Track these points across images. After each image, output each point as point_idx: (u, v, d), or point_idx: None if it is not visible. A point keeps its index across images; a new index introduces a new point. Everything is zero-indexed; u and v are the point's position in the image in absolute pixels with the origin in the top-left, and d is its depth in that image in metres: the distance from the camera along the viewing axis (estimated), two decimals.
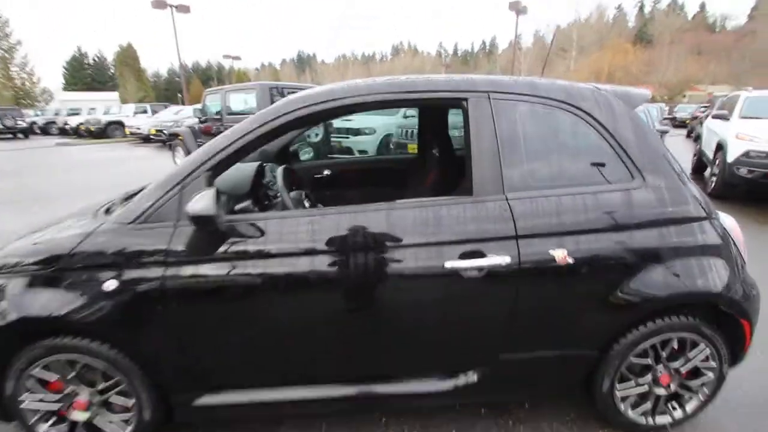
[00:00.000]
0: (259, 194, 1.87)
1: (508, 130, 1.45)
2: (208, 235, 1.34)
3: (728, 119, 6.27)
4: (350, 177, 2.86)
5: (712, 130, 6.86)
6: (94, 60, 57.89)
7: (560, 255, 1.40)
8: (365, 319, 1.46)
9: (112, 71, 55.55)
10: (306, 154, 3.35)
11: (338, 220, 1.40)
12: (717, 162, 5.99)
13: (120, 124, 18.61)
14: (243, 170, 1.80)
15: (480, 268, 1.38)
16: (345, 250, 1.38)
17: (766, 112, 6.04)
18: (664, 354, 1.59)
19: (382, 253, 1.38)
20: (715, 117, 6.78)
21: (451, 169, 2.38)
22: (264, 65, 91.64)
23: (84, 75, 56.12)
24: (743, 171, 5.34)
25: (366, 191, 2.86)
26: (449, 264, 1.37)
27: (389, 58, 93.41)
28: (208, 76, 62.22)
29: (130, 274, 1.36)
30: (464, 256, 1.38)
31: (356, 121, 7.22)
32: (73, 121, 20.98)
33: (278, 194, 1.89)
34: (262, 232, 1.38)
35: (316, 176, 2.82)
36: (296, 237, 1.38)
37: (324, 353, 1.51)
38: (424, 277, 1.40)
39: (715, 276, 1.48)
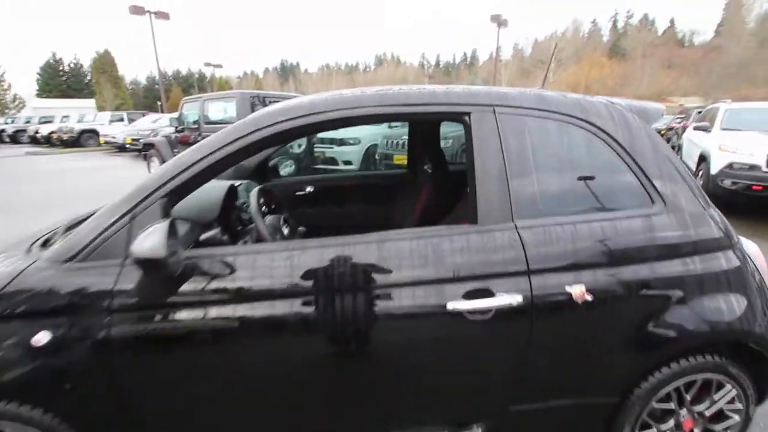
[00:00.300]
0: (231, 219, 1.64)
1: (516, 148, 1.28)
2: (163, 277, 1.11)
3: (709, 131, 6.35)
4: (335, 194, 2.65)
5: (693, 142, 6.95)
6: (69, 66, 56.27)
7: (578, 291, 1.22)
8: (354, 370, 1.25)
9: (89, 78, 54.07)
10: (286, 168, 3.13)
11: (321, 255, 1.19)
12: (700, 173, 6.03)
13: (94, 133, 17.99)
14: (211, 191, 1.57)
15: (488, 310, 1.19)
16: (330, 290, 1.17)
17: (746, 124, 6.14)
18: (688, 397, 1.43)
19: (374, 294, 1.18)
20: (696, 128, 6.87)
21: (444, 186, 2.21)
22: (246, 74, 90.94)
23: (59, 82, 54.45)
24: (727, 182, 5.36)
25: (353, 210, 2.66)
26: (452, 305, 1.17)
27: (372, 68, 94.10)
28: (189, 84, 61.21)
29: (66, 324, 1.12)
30: (469, 295, 1.19)
31: (340, 131, 7.05)
32: (45, 130, 20.26)
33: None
34: (231, 271, 1.16)
35: (297, 193, 2.60)
36: (272, 275, 1.16)
37: (305, 408, 1.29)
38: (423, 321, 1.20)
39: (743, 310, 1.33)
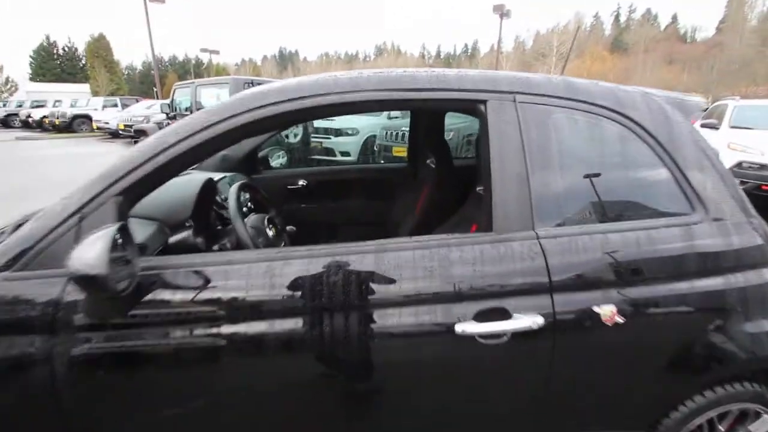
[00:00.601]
0: (210, 218, 1.45)
1: (540, 144, 1.09)
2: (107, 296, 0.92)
3: (717, 128, 6.19)
4: (330, 188, 2.46)
5: None
6: (64, 50, 55.12)
7: (608, 312, 1.05)
8: (346, 402, 1.07)
9: (84, 62, 53.06)
10: (278, 159, 2.92)
11: (307, 267, 1.00)
12: None
13: (87, 118, 17.61)
14: (184, 186, 1.37)
15: (503, 334, 1.01)
16: (317, 310, 0.99)
17: (755, 121, 5.97)
18: (722, 428, 1.27)
19: (370, 315, 1.00)
20: (703, 126, 6.69)
21: (448, 183, 2.02)
22: (244, 61, 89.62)
23: (53, 65, 53.33)
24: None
25: (348, 206, 2.47)
26: (461, 327, 1.00)
27: (372, 57, 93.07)
28: (186, 70, 60.21)
29: (2, 345, 0.94)
30: (481, 316, 1.01)
31: (338, 121, 6.84)
32: (37, 114, 19.85)
33: None
34: (198, 284, 0.97)
35: (290, 187, 2.41)
36: (247, 290, 0.98)
37: None
38: (427, 345, 1.02)
39: None
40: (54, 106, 20.38)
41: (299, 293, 0.99)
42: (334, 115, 1.26)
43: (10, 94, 37.22)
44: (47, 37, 53.65)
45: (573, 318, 1.04)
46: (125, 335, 0.95)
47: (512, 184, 1.06)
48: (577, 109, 1.13)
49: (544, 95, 1.12)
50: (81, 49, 53.75)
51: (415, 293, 1.01)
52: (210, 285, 0.97)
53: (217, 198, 1.57)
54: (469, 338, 1.00)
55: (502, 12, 22.55)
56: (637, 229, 1.11)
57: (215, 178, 1.81)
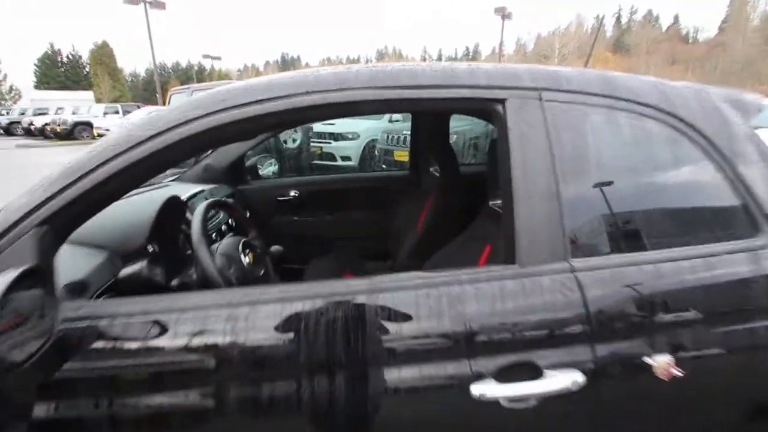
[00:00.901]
0: (177, 243, 1.23)
1: (573, 151, 0.88)
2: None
3: None
4: (325, 199, 2.25)
5: None
6: (68, 58, 55.51)
7: (662, 364, 0.83)
8: None
9: (87, 70, 53.38)
10: (269, 168, 2.72)
11: (281, 311, 0.79)
12: None
13: (88, 125, 17.66)
14: (145, 205, 1.16)
15: (531, 396, 0.79)
16: (291, 369, 0.78)
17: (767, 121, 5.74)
18: None
19: (361, 373, 0.79)
20: None
21: (454, 194, 1.81)
22: (247, 66, 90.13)
23: (57, 73, 53.74)
24: None
25: (345, 219, 2.27)
26: (479, 389, 0.78)
27: (374, 62, 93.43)
28: (188, 77, 60.48)
29: None
30: (504, 373, 0.79)
31: (338, 124, 6.68)
32: (39, 122, 19.98)
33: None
34: (140, 336, 0.76)
35: (280, 199, 2.20)
36: (202, 343, 0.77)
37: None
38: (436, 412, 0.81)
39: None
40: (56, 113, 20.46)
41: (269, 347, 0.77)
42: (318, 120, 1.06)
43: (14, 102, 37.47)
44: (51, 45, 54.16)
45: (619, 372, 0.82)
46: (49, 406, 0.74)
47: (539, 203, 0.85)
48: (616, 109, 0.91)
49: (576, 92, 0.90)
50: (85, 56, 54.17)
51: (418, 345, 0.80)
52: (156, 337, 0.76)
53: (189, 217, 1.36)
54: (489, 402, 0.79)
55: (503, 14, 22.39)
56: (693, 256, 0.89)
57: (191, 192, 1.61)
